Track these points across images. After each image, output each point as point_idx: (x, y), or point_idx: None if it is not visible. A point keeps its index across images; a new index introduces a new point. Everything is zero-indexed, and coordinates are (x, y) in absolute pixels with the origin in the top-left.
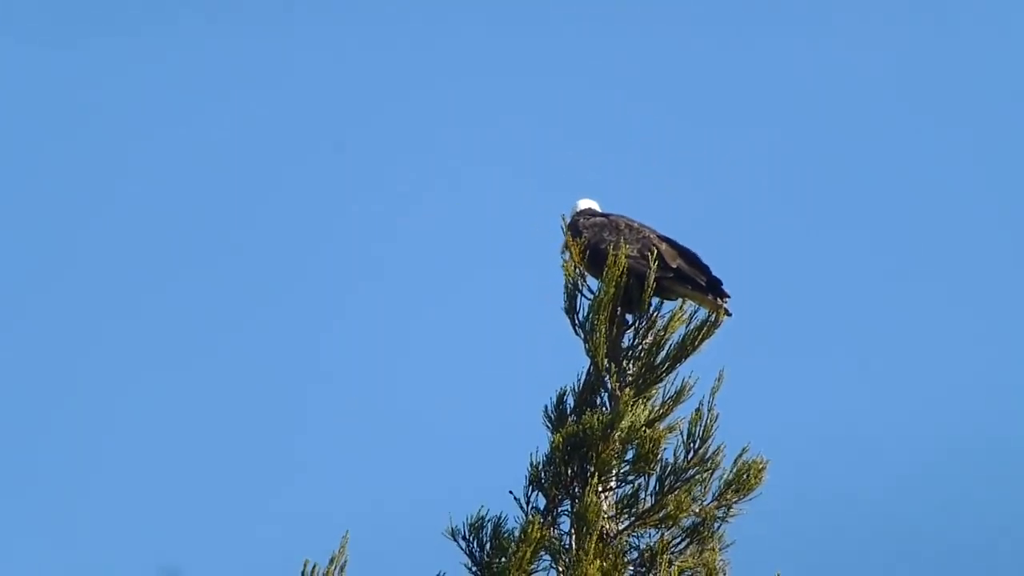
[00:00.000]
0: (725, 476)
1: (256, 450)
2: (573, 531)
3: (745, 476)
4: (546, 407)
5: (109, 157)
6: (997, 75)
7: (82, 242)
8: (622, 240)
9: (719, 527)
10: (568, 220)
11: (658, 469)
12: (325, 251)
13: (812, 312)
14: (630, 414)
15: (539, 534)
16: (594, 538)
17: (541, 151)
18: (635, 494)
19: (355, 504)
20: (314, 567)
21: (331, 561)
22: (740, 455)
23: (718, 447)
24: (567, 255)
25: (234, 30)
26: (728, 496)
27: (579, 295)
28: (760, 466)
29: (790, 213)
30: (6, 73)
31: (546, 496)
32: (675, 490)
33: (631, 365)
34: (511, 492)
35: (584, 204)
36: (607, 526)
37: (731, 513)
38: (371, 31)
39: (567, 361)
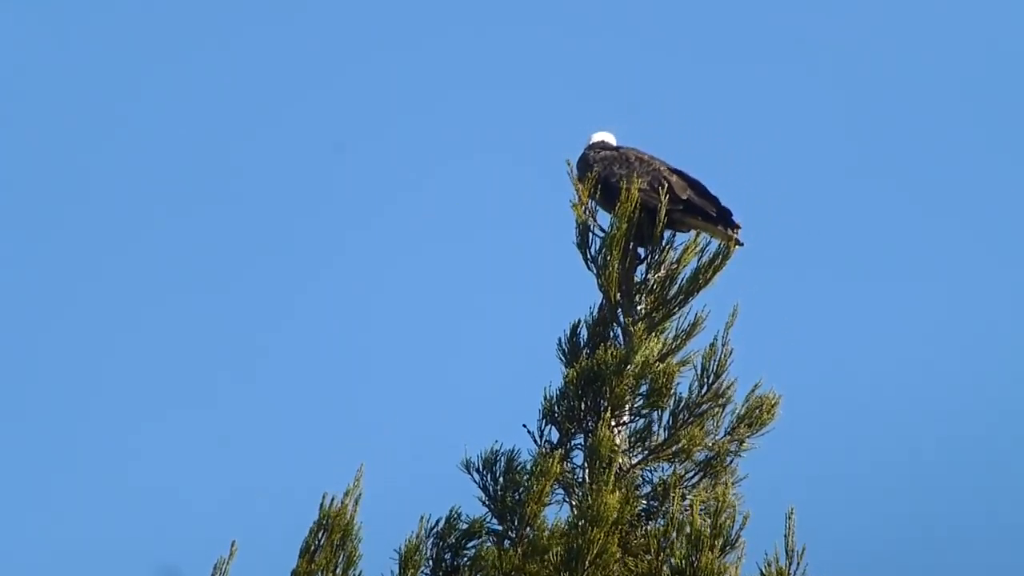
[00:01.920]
0: (737, 411)
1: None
2: (586, 464)
3: (757, 411)
4: (560, 340)
5: (107, 153)
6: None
7: (79, 233)
8: (633, 173)
9: (732, 461)
10: (579, 156)
11: (671, 403)
12: (326, 248)
13: (830, 247)
14: (643, 349)
15: (557, 468)
16: (612, 471)
17: (543, 143)
18: (648, 428)
19: (372, 438)
20: (332, 499)
21: (346, 493)
22: (752, 390)
23: (731, 382)
24: (578, 188)
25: (234, 28)
26: (741, 431)
27: (590, 232)
28: (772, 401)
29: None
30: (6, 64)
31: (559, 430)
32: (688, 424)
33: (644, 299)
34: (525, 426)
35: (598, 136)
36: (620, 460)
37: (744, 447)
38: (371, 30)
39: (580, 294)
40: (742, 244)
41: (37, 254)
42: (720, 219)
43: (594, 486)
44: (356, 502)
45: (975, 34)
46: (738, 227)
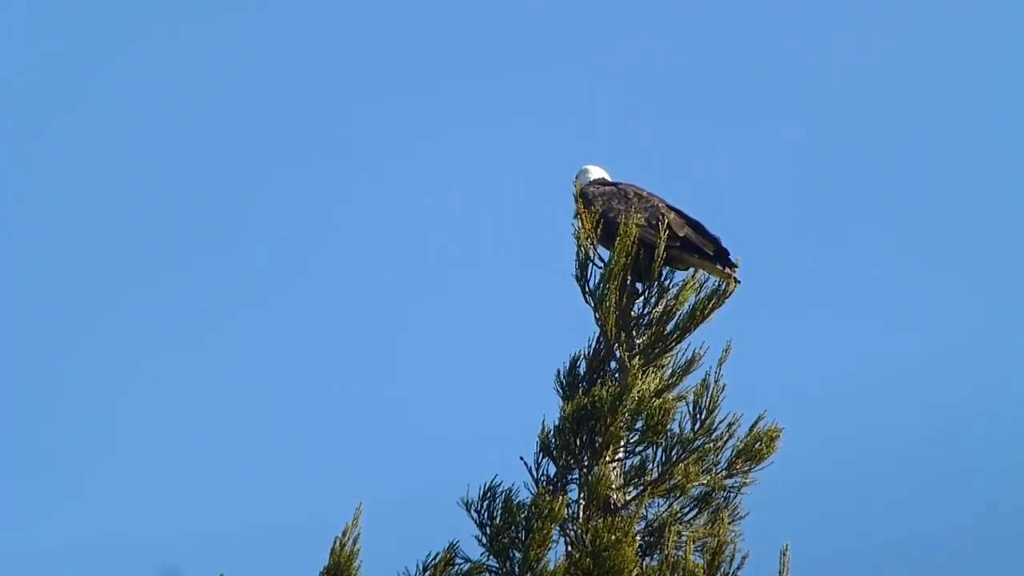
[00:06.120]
0: (737, 445)
1: (253, 432)
2: (582, 501)
3: (757, 445)
4: (559, 372)
5: (109, 155)
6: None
7: (85, 237)
8: (632, 209)
9: (734, 497)
10: (578, 187)
11: (665, 439)
12: (326, 245)
13: (822, 285)
14: (638, 385)
15: (563, 513)
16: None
17: (545, 150)
18: (643, 464)
19: (373, 477)
20: (337, 540)
21: (344, 532)
22: (755, 423)
23: (727, 416)
24: (578, 222)
25: (235, 28)
26: (739, 465)
27: (590, 264)
28: (773, 435)
29: (800, 194)
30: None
31: (556, 464)
32: (682, 461)
33: (641, 334)
34: (522, 458)
35: (595, 172)
36: (615, 496)
37: (744, 482)
38: (371, 30)
39: (579, 327)
40: (739, 282)
41: (63, 262)
42: (717, 257)
43: (596, 526)
44: (355, 541)
45: (945, 70)
46: (735, 266)
